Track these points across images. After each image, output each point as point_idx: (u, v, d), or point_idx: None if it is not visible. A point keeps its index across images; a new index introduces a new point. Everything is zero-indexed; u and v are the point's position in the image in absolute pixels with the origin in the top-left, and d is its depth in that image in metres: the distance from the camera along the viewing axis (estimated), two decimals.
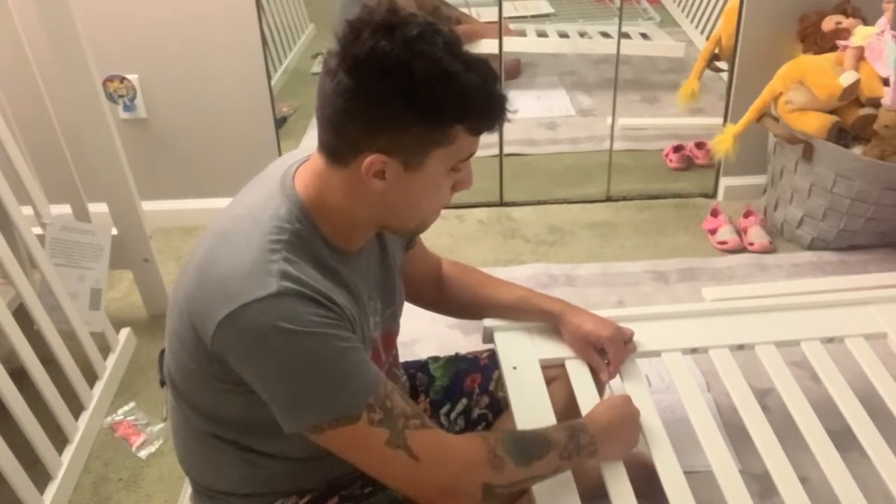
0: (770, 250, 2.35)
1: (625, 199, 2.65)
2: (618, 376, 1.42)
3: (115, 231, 1.99)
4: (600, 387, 1.41)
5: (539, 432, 1.13)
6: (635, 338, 1.45)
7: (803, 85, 2.20)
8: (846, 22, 2.26)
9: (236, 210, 1.06)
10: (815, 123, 2.18)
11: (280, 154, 2.52)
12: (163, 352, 2.06)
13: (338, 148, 0.98)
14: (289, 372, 0.95)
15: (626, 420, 1.26)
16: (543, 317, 1.43)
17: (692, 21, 3.53)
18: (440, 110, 0.94)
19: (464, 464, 1.03)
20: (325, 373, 0.96)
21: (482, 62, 0.97)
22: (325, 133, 0.99)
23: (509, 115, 1.00)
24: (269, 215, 1.01)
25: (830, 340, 1.54)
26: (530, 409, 1.32)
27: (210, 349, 0.97)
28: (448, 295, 1.42)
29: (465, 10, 3.33)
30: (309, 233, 1.01)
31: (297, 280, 0.96)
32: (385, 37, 0.91)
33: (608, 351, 1.39)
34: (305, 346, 0.94)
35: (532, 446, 1.10)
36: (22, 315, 1.63)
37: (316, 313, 0.96)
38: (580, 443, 1.15)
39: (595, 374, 1.41)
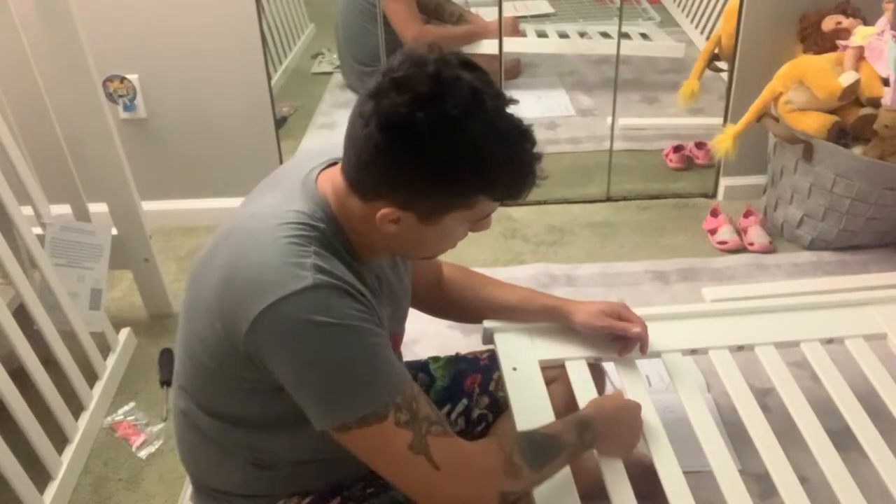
0: (770, 250, 2.35)
1: (625, 199, 2.65)
2: (618, 377, 1.42)
3: (115, 231, 1.99)
4: (600, 387, 1.41)
5: (550, 434, 1.13)
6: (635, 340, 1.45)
7: (803, 85, 2.20)
8: (846, 22, 2.26)
9: (255, 209, 1.05)
10: (815, 123, 2.18)
11: (280, 154, 2.53)
12: (163, 352, 2.07)
13: (358, 183, 0.99)
14: (324, 365, 0.95)
15: (630, 422, 1.27)
16: (547, 313, 1.43)
17: (692, 21, 3.53)
18: (464, 186, 0.95)
19: (482, 475, 1.03)
20: (359, 368, 0.95)
21: (520, 131, 0.96)
22: (350, 165, 0.98)
23: (538, 181, 1.00)
24: (294, 212, 1.00)
25: (830, 341, 1.54)
26: (530, 409, 1.32)
27: (243, 348, 0.97)
28: (450, 298, 1.42)
29: (469, 11, 3.32)
30: (334, 234, 1.01)
31: (330, 274, 0.96)
32: (424, 108, 0.90)
33: (628, 317, 1.38)
34: (341, 340, 0.94)
35: (545, 450, 1.10)
36: (22, 315, 1.63)
37: (351, 307, 0.96)
38: (585, 440, 1.17)
39: (596, 374, 1.41)
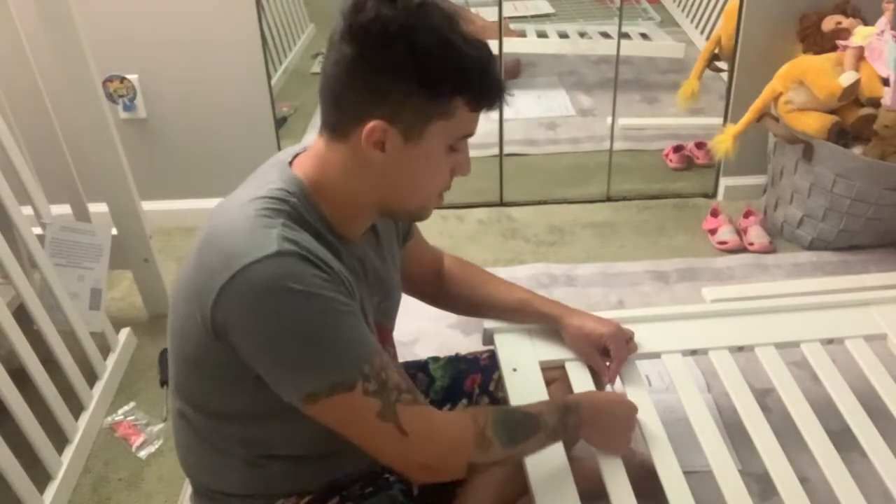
0: (770, 250, 2.35)
1: (625, 199, 2.65)
2: (618, 377, 1.42)
3: (115, 231, 1.99)
4: (600, 388, 1.41)
5: (530, 414, 1.14)
6: (635, 339, 1.45)
7: (803, 85, 2.20)
8: (846, 22, 2.26)
9: (233, 195, 1.07)
10: (815, 123, 2.18)
11: None
12: (163, 352, 2.07)
13: (339, 121, 1.00)
14: (289, 333, 0.94)
15: (619, 416, 1.27)
16: (543, 320, 1.44)
17: (692, 21, 3.53)
18: (441, 79, 0.95)
19: (451, 444, 1.04)
20: (325, 335, 0.95)
21: (481, 40, 0.99)
22: (327, 109, 1.01)
23: (507, 99, 1.02)
24: (265, 190, 1.01)
25: (830, 342, 1.54)
26: None
27: (212, 325, 0.97)
28: (448, 291, 1.42)
29: (469, 10, 3.32)
30: (308, 210, 1.01)
31: (296, 243, 0.96)
32: (387, 6, 0.93)
33: (610, 348, 1.40)
34: (305, 307, 0.94)
35: (520, 428, 1.11)
36: (22, 315, 1.63)
37: (316, 275, 0.95)
38: (568, 423, 1.17)
39: (595, 375, 1.41)
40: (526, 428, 1.11)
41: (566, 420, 1.17)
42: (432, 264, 1.42)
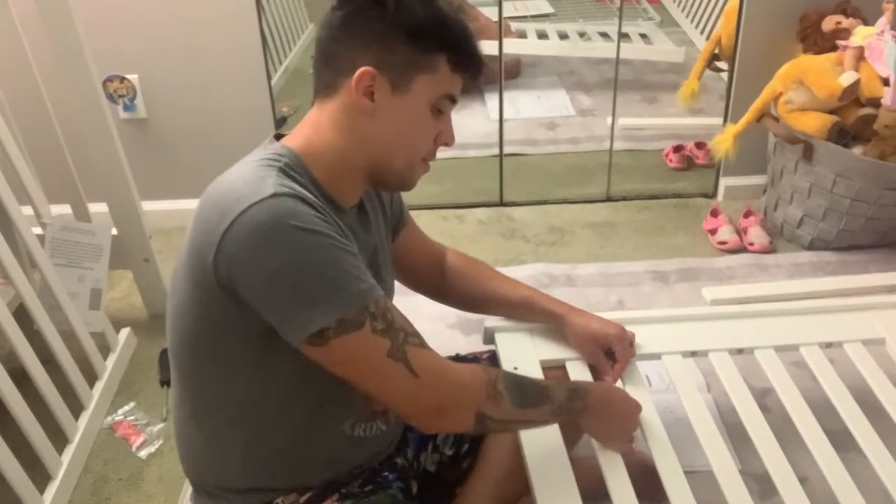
0: (770, 250, 2.35)
1: (625, 199, 2.65)
2: (618, 379, 1.42)
3: (115, 231, 1.99)
4: None
5: (540, 383, 1.16)
6: (636, 340, 1.46)
7: (803, 85, 2.20)
8: (846, 22, 2.26)
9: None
10: (815, 123, 2.18)
11: None
12: (163, 352, 2.08)
13: (331, 77, 1.04)
14: (293, 268, 0.93)
15: (624, 412, 1.28)
16: (547, 318, 1.44)
17: (692, 21, 3.53)
18: (426, 32, 1.02)
19: (463, 387, 1.04)
20: (329, 269, 0.95)
21: (464, 16, 1.06)
22: (319, 72, 1.06)
23: (482, 72, 1.08)
24: (257, 156, 1.03)
25: (829, 345, 1.54)
26: None
27: (215, 278, 0.96)
28: (451, 286, 1.42)
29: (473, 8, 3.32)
30: (298, 170, 1.03)
31: (291, 188, 0.97)
32: None
33: (616, 350, 1.40)
34: (307, 242, 0.94)
35: (530, 393, 1.12)
36: (22, 315, 1.63)
37: (314, 214, 0.96)
38: (573, 406, 1.17)
39: (596, 375, 1.41)
40: (535, 393, 1.12)
41: (573, 401, 1.17)
42: (433, 257, 1.42)
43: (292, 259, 0.93)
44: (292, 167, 1.02)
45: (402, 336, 0.99)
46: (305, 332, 0.95)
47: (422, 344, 1.02)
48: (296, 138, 1.07)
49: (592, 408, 1.20)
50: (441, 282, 1.41)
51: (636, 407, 1.30)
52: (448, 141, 1.11)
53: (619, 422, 1.27)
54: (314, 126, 1.07)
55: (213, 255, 0.95)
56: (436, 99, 1.06)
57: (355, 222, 1.13)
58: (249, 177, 0.98)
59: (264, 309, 0.96)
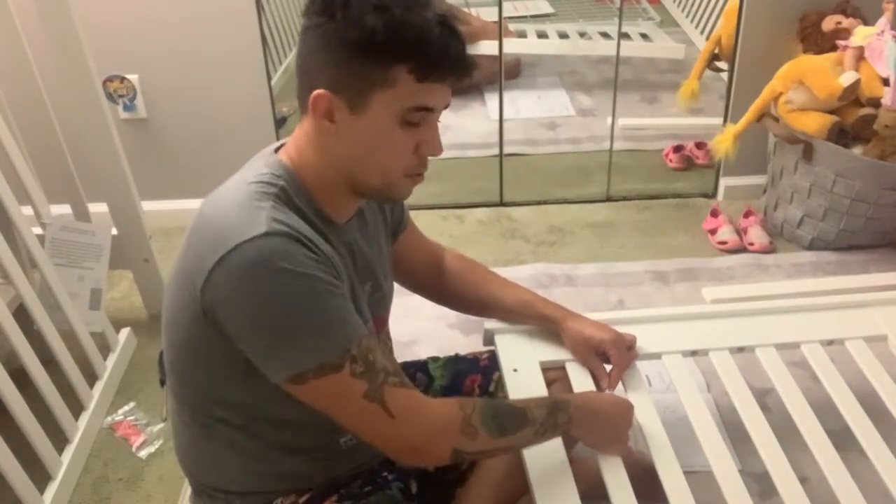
0: (770, 250, 2.35)
1: (625, 199, 2.65)
2: (619, 383, 1.42)
3: (115, 231, 1.99)
4: (600, 390, 1.41)
5: (518, 407, 1.13)
6: (636, 342, 1.45)
7: (803, 85, 2.20)
8: (846, 22, 2.26)
9: (222, 185, 1.08)
10: (815, 123, 2.18)
11: None
12: (163, 352, 2.07)
13: (301, 93, 1.02)
14: (277, 311, 0.95)
15: (613, 416, 1.25)
16: (544, 322, 1.44)
17: (692, 21, 3.53)
18: (372, 43, 0.94)
19: (437, 427, 1.04)
20: (313, 314, 0.96)
21: (442, 13, 0.97)
22: (297, 87, 1.02)
23: (469, 73, 0.99)
24: (253, 175, 1.03)
25: (831, 343, 1.54)
26: None
27: (202, 307, 0.97)
28: (449, 287, 1.42)
29: (464, 11, 3.32)
30: (295, 191, 1.03)
31: (285, 224, 0.97)
32: None
33: (610, 354, 1.39)
34: (294, 285, 0.94)
35: (508, 421, 1.10)
36: (22, 315, 1.63)
37: (305, 255, 0.96)
38: (557, 421, 1.16)
39: (596, 378, 1.41)
40: (513, 420, 1.11)
41: (556, 417, 1.15)
42: (431, 258, 1.41)
43: (277, 302, 0.94)
44: (288, 190, 1.02)
45: (382, 377, 0.99)
46: (285, 373, 0.97)
47: (401, 383, 1.02)
48: (290, 153, 1.06)
49: (577, 419, 1.18)
50: (439, 283, 1.41)
51: (626, 408, 1.28)
52: (433, 152, 1.04)
53: (610, 427, 1.25)
54: (298, 141, 1.06)
55: (201, 282, 0.96)
56: (401, 113, 0.98)
57: (354, 232, 1.13)
58: (245, 205, 0.98)
59: (246, 346, 0.98)
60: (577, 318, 1.42)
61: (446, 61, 0.97)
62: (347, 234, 1.11)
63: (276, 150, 1.09)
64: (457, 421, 1.04)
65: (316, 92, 0.98)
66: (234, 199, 1.00)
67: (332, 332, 0.97)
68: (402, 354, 1.38)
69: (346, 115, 0.99)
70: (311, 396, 0.99)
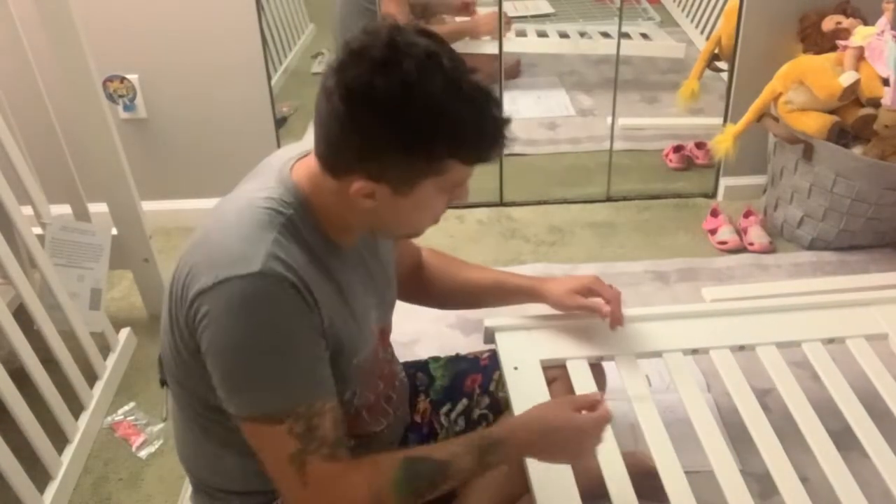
0: (770, 250, 2.35)
1: (625, 199, 2.65)
2: (618, 375, 1.42)
3: (115, 231, 1.99)
4: (601, 387, 1.41)
5: (441, 462, 1.06)
6: (636, 339, 1.45)
7: (803, 85, 2.20)
8: (846, 22, 2.26)
9: (233, 195, 1.08)
10: (815, 123, 2.18)
11: None
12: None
13: (329, 161, 0.99)
14: (241, 356, 0.96)
15: (566, 438, 1.12)
16: (522, 295, 1.43)
17: (692, 21, 3.53)
18: (431, 148, 0.94)
19: None
20: (274, 368, 0.96)
21: (481, 92, 0.95)
22: (320, 143, 0.99)
23: (507, 142, 0.99)
24: (264, 197, 1.01)
25: (831, 341, 1.54)
26: None
27: (185, 320, 0.98)
28: (428, 283, 1.42)
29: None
30: (304, 220, 1.02)
31: (283, 263, 0.96)
32: (382, 73, 0.90)
33: (598, 291, 1.38)
34: (267, 336, 0.95)
35: (426, 482, 1.05)
36: (22, 315, 1.63)
37: (292, 304, 0.96)
38: (490, 462, 1.09)
39: (597, 375, 1.41)
40: (432, 481, 1.06)
41: (485, 460, 1.09)
42: (412, 257, 1.42)
43: (245, 347, 0.95)
44: (297, 221, 1.01)
45: (315, 445, 0.99)
46: (230, 407, 0.99)
47: (331, 456, 1.00)
48: (305, 180, 1.03)
49: (519, 454, 1.14)
50: (419, 282, 1.41)
51: (584, 423, 1.12)
52: (462, 199, 1.06)
53: (566, 449, 1.13)
54: (318, 184, 1.02)
55: (188, 301, 0.97)
56: (447, 188, 1.00)
57: (361, 248, 1.13)
58: (248, 232, 0.97)
59: (210, 369, 0.99)
60: (551, 280, 1.43)
61: (497, 149, 0.99)
62: (354, 255, 1.11)
63: (292, 163, 1.06)
64: (367, 499, 1.02)
65: (358, 184, 0.96)
66: (240, 221, 0.99)
67: (287, 387, 0.98)
68: (402, 354, 1.38)
69: (387, 196, 0.98)
70: (246, 433, 1.01)
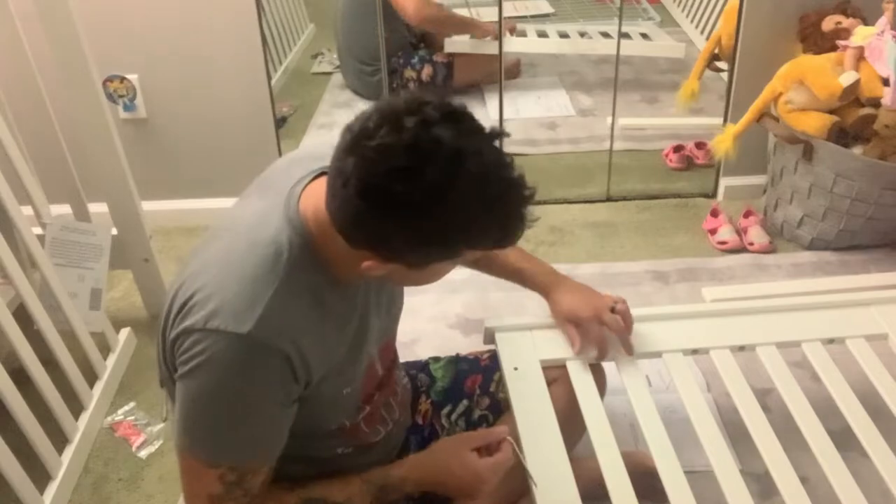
0: (770, 250, 2.35)
1: (625, 199, 2.65)
2: (618, 375, 1.42)
3: (115, 231, 1.99)
4: (601, 387, 1.41)
5: None
6: (636, 339, 1.45)
7: (803, 85, 2.20)
8: (846, 22, 2.26)
9: (241, 215, 1.05)
10: (815, 123, 2.18)
11: (280, 155, 2.53)
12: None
13: (341, 231, 0.93)
14: (204, 402, 0.96)
15: (455, 477, 1.14)
16: (537, 291, 1.43)
17: (692, 21, 3.53)
18: (450, 247, 0.92)
19: None
20: (228, 424, 0.98)
21: (509, 190, 0.89)
22: (332, 208, 0.92)
23: (530, 224, 0.94)
24: (269, 239, 0.97)
25: (831, 341, 1.54)
26: (531, 410, 1.32)
27: (173, 340, 0.98)
28: None
29: (465, 10, 3.32)
30: (307, 262, 0.98)
31: (275, 327, 0.94)
32: (402, 180, 0.84)
33: (608, 324, 1.38)
34: (231, 395, 0.96)
35: None
36: (22, 315, 1.63)
37: (268, 373, 0.96)
38: (389, 498, 1.13)
39: (596, 374, 1.41)
40: None
41: (384, 499, 1.13)
42: None
43: (209, 398, 0.96)
44: (299, 265, 0.97)
45: (238, 494, 1.00)
46: (177, 438, 1.00)
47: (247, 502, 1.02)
48: (310, 220, 0.98)
49: (416, 489, 1.16)
50: None
51: (480, 469, 1.13)
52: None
53: (461, 491, 1.15)
54: (325, 229, 0.95)
55: (170, 327, 0.98)
56: (463, 261, 1.00)
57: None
58: (248, 284, 0.94)
59: (177, 391, 0.99)
60: (562, 290, 1.41)
61: (516, 238, 0.95)
62: (358, 286, 1.07)
63: (300, 188, 1.01)
64: None
65: (367, 263, 0.92)
66: (243, 263, 0.96)
67: (235, 446, 0.99)
68: (402, 354, 1.38)
69: (401, 269, 0.94)
70: (180, 461, 1.02)
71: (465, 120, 0.89)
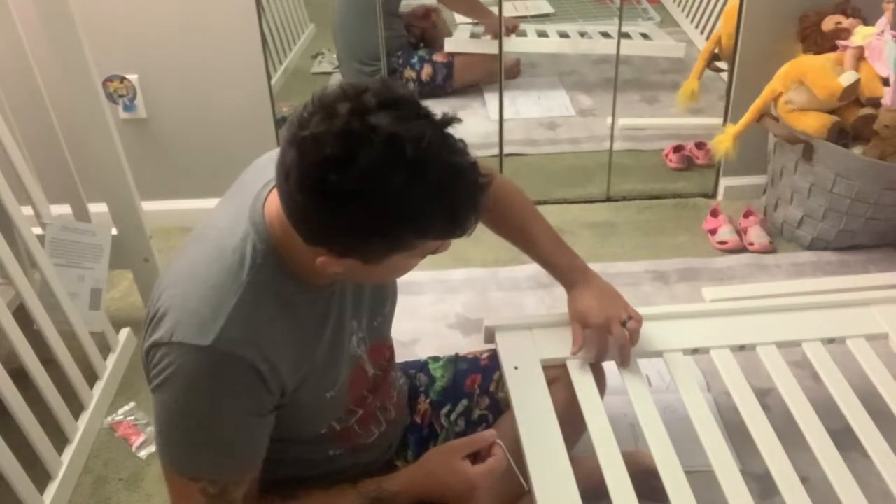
0: (770, 250, 2.35)
1: (625, 199, 2.65)
2: (618, 374, 1.42)
3: (115, 231, 1.99)
4: (601, 387, 1.41)
5: None
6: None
7: (803, 85, 2.20)
8: (846, 22, 2.26)
9: (216, 217, 1.05)
10: (815, 123, 2.18)
11: None
12: None
13: (294, 228, 0.91)
14: (175, 415, 0.97)
15: (448, 486, 1.13)
16: (562, 284, 1.42)
17: (692, 21, 3.53)
18: (395, 237, 0.88)
19: None
20: (202, 436, 0.98)
21: (451, 172, 0.86)
22: (283, 207, 0.91)
23: (482, 214, 0.91)
24: (234, 246, 0.97)
25: (832, 341, 1.54)
26: (532, 409, 1.32)
27: (145, 349, 0.99)
28: (493, 212, 1.38)
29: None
30: (274, 269, 0.97)
31: (238, 338, 0.93)
32: (335, 170, 0.82)
33: (613, 333, 1.37)
34: (202, 407, 0.96)
35: None
36: (22, 315, 1.63)
37: (234, 382, 0.95)
38: None
39: (596, 374, 1.41)
40: None
41: None
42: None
43: (179, 411, 0.96)
44: (266, 270, 0.96)
45: None
46: (157, 450, 1.01)
47: None
48: (275, 224, 0.97)
49: (412, 500, 1.15)
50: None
51: (473, 477, 1.12)
52: (441, 250, 0.98)
53: (458, 500, 1.14)
54: (287, 233, 0.94)
55: (152, 340, 0.97)
56: (424, 253, 0.95)
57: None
58: (215, 289, 0.94)
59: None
60: (581, 289, 1.38)
61: (471, 224, 0.92)
62: (336, 284, 1.06)
63: (266, 192, 1.00)
64: None
65: (321, 259, 0.90)
66: (209, 272, 0.96)
67: (210, 456, 0.99)
68: (402, 354, 1.38)
69: (357, 265, 0.92)
70: (164, 475, 1.02)
71: (405, 106, 0.85)
